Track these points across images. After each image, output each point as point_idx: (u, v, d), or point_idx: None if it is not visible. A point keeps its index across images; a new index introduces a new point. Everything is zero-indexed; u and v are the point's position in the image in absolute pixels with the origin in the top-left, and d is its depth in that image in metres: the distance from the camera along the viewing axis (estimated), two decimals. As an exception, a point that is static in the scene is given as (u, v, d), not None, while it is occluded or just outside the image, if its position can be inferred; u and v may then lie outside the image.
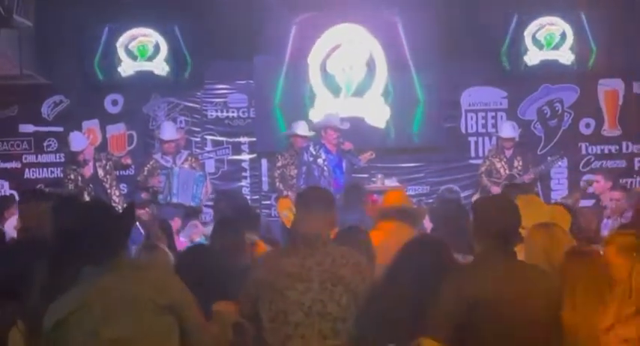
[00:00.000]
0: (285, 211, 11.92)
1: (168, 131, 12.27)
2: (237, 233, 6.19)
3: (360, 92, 13.20)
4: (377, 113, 13.16)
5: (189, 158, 12.28)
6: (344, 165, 11.77)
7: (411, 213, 7.20)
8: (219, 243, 6.10)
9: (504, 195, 6.92)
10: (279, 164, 12.33)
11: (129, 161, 12.30)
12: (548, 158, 12.79)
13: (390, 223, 6.93)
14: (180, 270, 4.85)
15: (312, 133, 12.18)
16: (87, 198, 11.25)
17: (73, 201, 6.71)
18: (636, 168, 13.40)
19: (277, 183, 12.29)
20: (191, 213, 11.74)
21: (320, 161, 11.61)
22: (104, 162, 11.89)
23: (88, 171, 11.73)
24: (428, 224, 8.39)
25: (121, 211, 4.40)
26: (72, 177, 11.79)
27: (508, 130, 12.57)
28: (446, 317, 4.14)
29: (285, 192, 12.12)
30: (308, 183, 11.23)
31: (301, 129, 12.31)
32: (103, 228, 4.03)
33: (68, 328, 3.94)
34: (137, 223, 9.47)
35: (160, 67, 13.15)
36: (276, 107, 13.28)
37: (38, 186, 13.19)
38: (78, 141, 11.91)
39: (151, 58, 13.13)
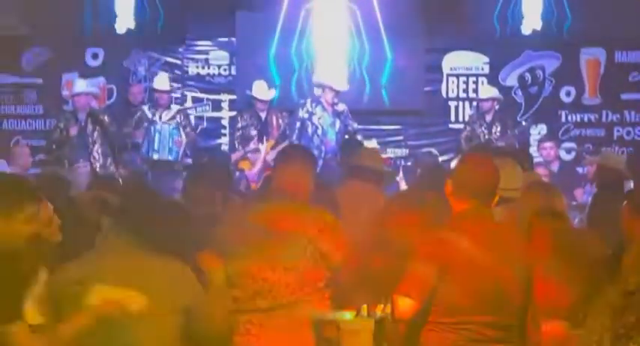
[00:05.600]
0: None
1: (163, 81, 12.32)
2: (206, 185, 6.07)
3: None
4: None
5: (178, 115, 12.14)
6: (337, 125, 11.75)
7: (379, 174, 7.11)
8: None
9: (484, 156, 6.87)
10: (238, 126, 12.29)
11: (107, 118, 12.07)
12: (523, 123, 12.86)
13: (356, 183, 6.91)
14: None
15: (271, 96, 12.14)
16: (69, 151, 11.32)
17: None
18: (615, 137, 13.43)
19: (237, 145, 12.21)
20: None
21: (315, 118, 11.63)
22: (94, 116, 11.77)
23: (79, 117, 11.61)
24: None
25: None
26: (62, 125, 11.62)
27: (487, 91, 12.63)
28: (420, 279, 4.06)
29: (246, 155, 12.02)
30: (301, 140, 11.31)
31: (260, 91, 12.22)
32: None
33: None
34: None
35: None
36: (270, 60, 13.20)
37: (16, 138, 13.17)
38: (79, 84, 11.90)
39: (133, 13, 13.05)
